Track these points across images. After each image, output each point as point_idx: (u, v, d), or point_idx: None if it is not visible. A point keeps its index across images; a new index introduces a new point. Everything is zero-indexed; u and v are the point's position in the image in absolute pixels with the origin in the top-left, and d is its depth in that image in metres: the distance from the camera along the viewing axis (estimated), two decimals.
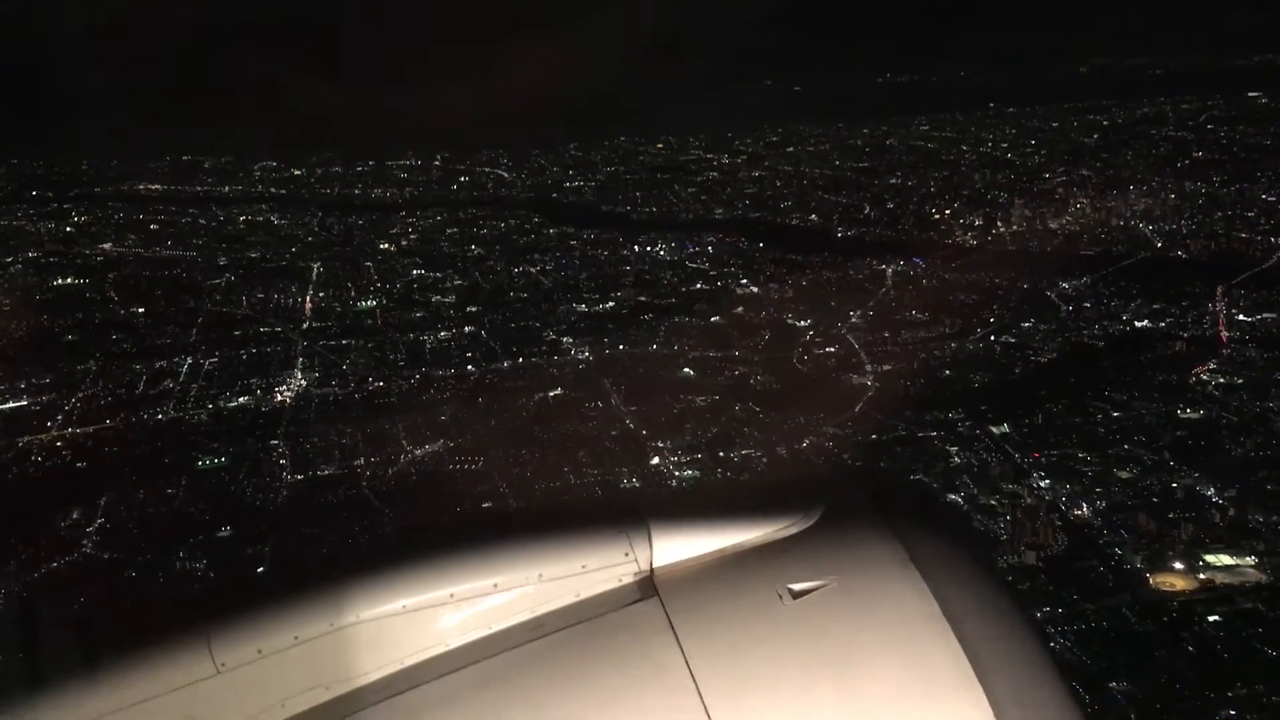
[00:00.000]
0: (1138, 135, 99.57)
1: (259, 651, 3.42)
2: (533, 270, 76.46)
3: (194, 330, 63.78)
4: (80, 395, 53.82)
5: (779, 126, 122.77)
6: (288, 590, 3.65)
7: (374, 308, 69.75)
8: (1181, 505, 41.76)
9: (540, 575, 3.53)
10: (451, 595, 3.50)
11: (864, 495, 3.92)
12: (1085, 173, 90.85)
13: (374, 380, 57.87)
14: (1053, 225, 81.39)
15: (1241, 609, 35.84)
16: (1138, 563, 38.77)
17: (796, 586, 3.33)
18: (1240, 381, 51.85)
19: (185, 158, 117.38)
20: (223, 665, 3.41)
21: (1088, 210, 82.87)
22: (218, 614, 3.62)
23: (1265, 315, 59.35)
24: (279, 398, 55.93)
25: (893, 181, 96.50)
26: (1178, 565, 38.37)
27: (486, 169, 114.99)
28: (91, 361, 57.92)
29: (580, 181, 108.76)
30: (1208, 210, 79.12)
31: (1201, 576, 37.75)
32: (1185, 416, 49.12)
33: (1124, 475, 44.20)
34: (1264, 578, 37.21)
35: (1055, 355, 57.73)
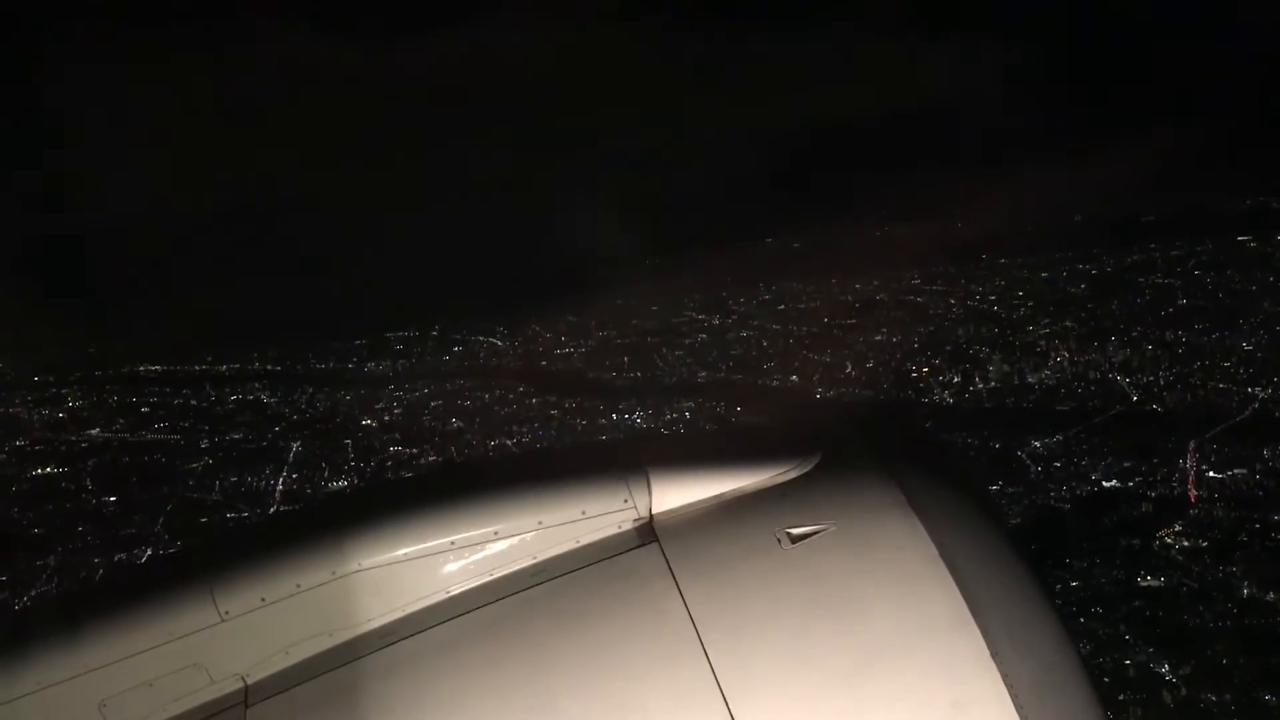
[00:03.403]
0: (1124, 284, 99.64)
1: (262, 599, 3.52)
2: (508, 443, 76.73)
3: (161, 519, 64.04)
4: (31, 594, 53.85)
5: (773, 284, 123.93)
6: (290, 540, 3.73)
7: (344, 488, 70.00)
8: (1133, 685, 40.22)
9: (540, 522, 3.63)
10: (452, 543, 3.60)
11: (861, 439, 3.94)
12: (1069, 324, 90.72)
13: None
14: (1031, 380, 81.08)
15: None
16: None
17: (795, 531, 3.39)
18: (1205, 544, 50.54)
19: (190, 340, 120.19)
20: (226, 613, 3.51)
21: (1067, 364, 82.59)
22: (220, 563, 3.72)
23: (1236, 471, 58.06)
24: None
25: (877, 338, 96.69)
26: None
27: (480, 337, 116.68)
28: (51, 556, 58.05)
29: (571, 348, 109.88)
30: (1187, 360, 78.59)
31: None
32: (1145, 584, 47.83)
33: None
34: None
35: (1019, 520, 56.65)
